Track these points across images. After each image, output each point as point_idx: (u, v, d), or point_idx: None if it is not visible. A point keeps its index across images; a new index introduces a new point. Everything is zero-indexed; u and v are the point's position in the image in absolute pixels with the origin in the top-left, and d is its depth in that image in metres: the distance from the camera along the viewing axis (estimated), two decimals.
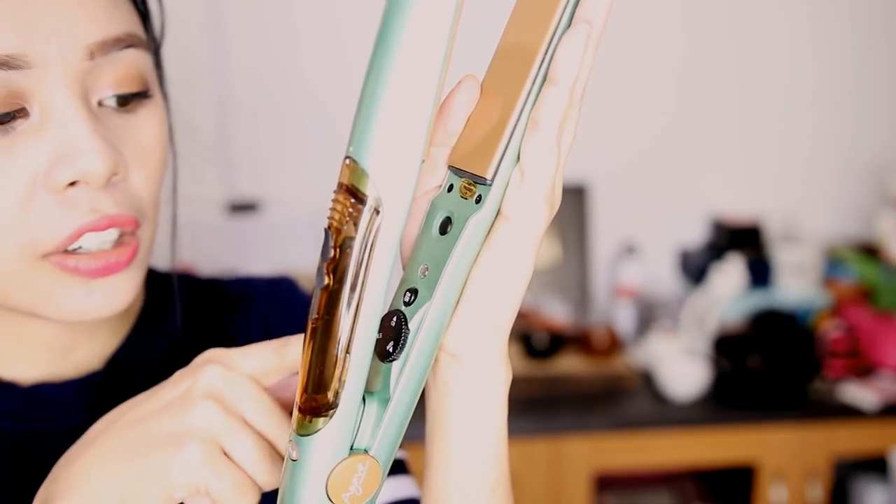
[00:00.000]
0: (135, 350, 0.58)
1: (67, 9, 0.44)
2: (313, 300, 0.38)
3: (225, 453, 0.43)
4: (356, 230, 0.36)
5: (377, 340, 0.39)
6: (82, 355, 0.55)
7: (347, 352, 0.37)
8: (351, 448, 0.39)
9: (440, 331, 0.40)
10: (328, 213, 0.37)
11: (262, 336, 0.63)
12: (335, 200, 0.36)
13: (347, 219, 0.36)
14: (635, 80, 1.95)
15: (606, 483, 1.76)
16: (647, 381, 1.68)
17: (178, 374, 0.44)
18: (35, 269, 0.47)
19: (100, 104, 0.47)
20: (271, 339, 0.64)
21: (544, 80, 0.37)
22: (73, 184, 0.45)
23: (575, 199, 1.91)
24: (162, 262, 0.63)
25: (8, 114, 0.44)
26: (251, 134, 1.87)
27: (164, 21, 0.55)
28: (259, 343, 0.46)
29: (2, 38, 0.42)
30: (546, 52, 0.37)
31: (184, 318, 0.60)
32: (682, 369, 1.60)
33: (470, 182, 0.39)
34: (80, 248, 0.47)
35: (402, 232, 0.36)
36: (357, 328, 0.37)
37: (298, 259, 1.66)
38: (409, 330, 0.39)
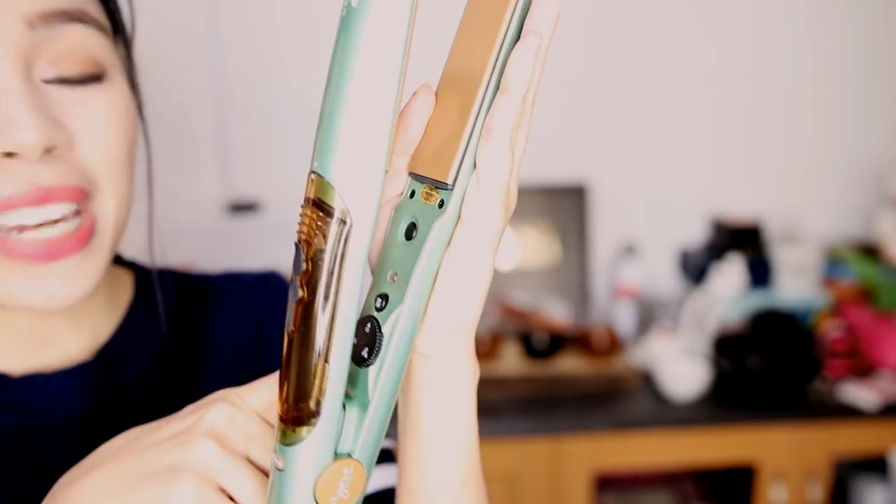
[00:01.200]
0: (124, 342, 0.58)
1: None
2: (288, 313, 0.39)
3: (224, 490, 0.43)
4: (326, 242, 0.37)
5: (353, 346, 0.40)
6: (70, 346, 0.56)
7: (326, 361, 0.38)
8: (335, 453, 0.40)
9: (412, 333, 0.41)
10: (297, 227, 0.38)
11: (253, 329, 0.63)
12: (303, 214, 0.38)
13: (316, 231, 0.37)
14: (635, 81, 1.95)
15: (606, 483, 1.76)
16: (647, 381, 1.68)
17: (188, 409, 0.45)
18: None
19: (46, 81, 0.47)
20: (263, 336, 0.63)
21: (497, 88, 0.39)
22: (10, 155, 0.45)
23: (575, 199, 1.91)
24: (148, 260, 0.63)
25: None
26: (250, 134, 1.87)
27: (134, 14, 0.55)
28: (266, 377, 0.47)
29: None
30: (496, 62, 0.39)
31: (172, 312, 0.60)
32: (682, 369, 1.60)
33: (431, 188, 0.40)
34: (19, 225, 0.46)
35: (370, 241, 0.38)
36: (334, 337, 0.38)
37: None
38: (383, 335, 0.40)
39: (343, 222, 0.37)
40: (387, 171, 0.37)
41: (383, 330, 0.40)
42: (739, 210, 1.99)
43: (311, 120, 1.69)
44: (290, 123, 1.87)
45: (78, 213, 0.48)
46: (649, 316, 1.92)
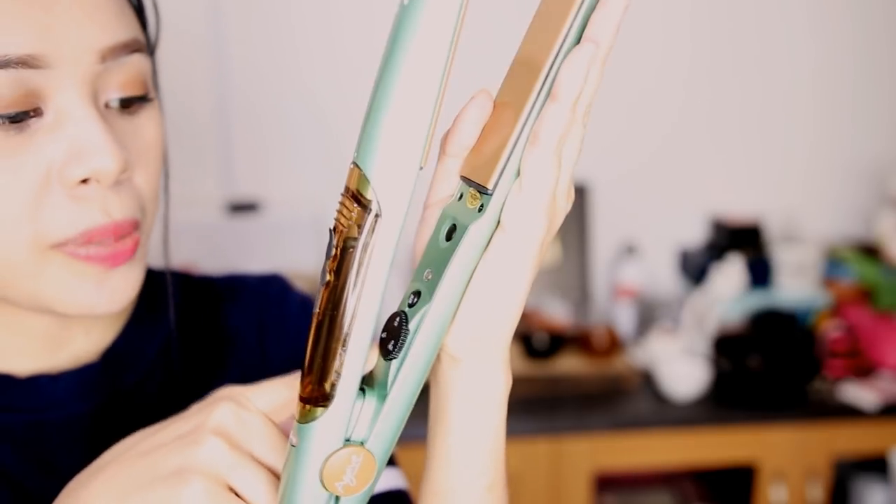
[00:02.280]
0: (130, 343, 0.59)
1: (83, 15, 0.47)
2: (317, 296, 0.40)
3: (233, 489, 0.43)
4: (358, 232, 0.38)
5: (381, 339, 0.41)
6: (78, 348, 0.56)
7: (344, 346, 0.39)
8: (348, 440, 0.41)
9: (439, 333, 0.41)
10: (335, 214, 0.39)
11: (256, 331, 0.64)
12: (341, 203, 0.39)
13: (350, 221, 0.38)
14: (635, 81, 1.95)
15: (606, 483, 1.76)
16: (647, 381, 1.68)
17: (193, 409, 0.46)
18: (46, 260, 0.48)
19: (106, 106, 0.50)
20: (265, 338, 0.64)
21: (548, 95, 0.39)
22: (84, 181, 0.47)
23: (575, 199, 1.91)
24: (154, 261, 0.63)
25: (25, 112, 0.46)
26: (251, 134, 1.87)
27: (159, 28, 0.57)
28: (272, 379, 0.47)
29: (22, 39, 0.45)
30: (550, 68, 0.39)
31: (178, 313, 0.61)
32: (682, 369, 1.60)
33: (475, 192, 0.41)
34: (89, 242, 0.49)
35: (399, 235, 0.39)
36: (354, 324, 0.39)
37: (298, 259, 1.66)
38: (408, 330, 0.41)
39: (376, 216, 0.38)
40: (422, 170, 0.38)
41: (409, 325, 0.41)
42: (739, 210, 1.99)
43: (311, 120, 1.69)
44: (290, 123, 1.87)
45: None
46: (649, 316, 1.92)
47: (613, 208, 1.97)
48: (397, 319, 0.41)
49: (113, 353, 0.58)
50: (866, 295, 1.80)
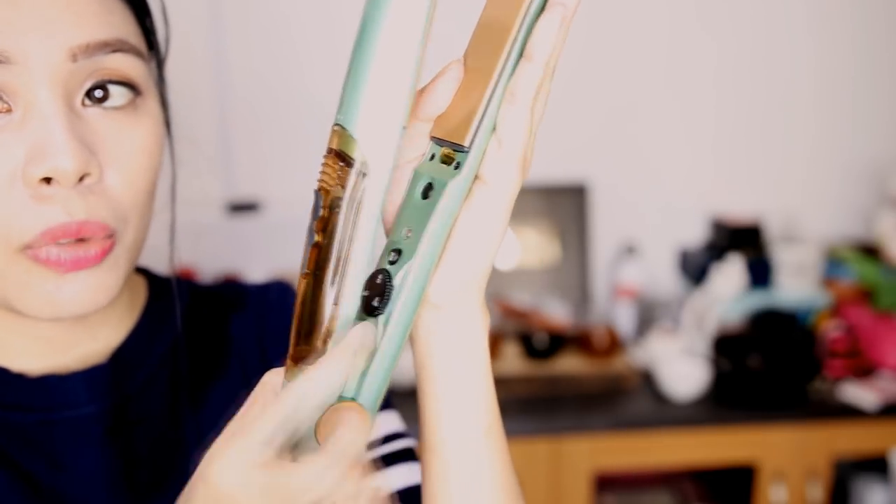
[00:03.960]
0: (137, 345, 0.59)
1: (51, 10, 0.46)
2: (303, 256, 0.41)
3: None
4: (344, 191, 0.39)
5: (364, 297, 0.42)
6: (86, 349, 0.57)
7: (335, 303, 0.40)
8: (340, 397, 0.42)
9: (422, 286, 0.43)
10: (318, 175, 0.40)
11: (257, 336, 0.65)
12: (325, 164, 0.40)
13: (336, 180, 0.39)
14: (636, 81, 1.96)
15: (606, 483, 1.76)
16: (647, 381, 1.68)
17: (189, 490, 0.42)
18: (12, 263, 0.48)
19: (84, 105, 0.49)
20: (265, 346, 0.65)
21: (519, 56, 0.41)
22: (48, 181, 0.47)
23: (575, 199, 1.91)
24: (160, 265, 0.64)
25: None
26: (251, 134, 1.87)
27: (169, 37, 0.57)
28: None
29: None
30: (519, 30, 0.41)
31: (184, 318, 0.62)
32: (682, 369, 1.60)
33: (450, 150, 0.43)
34: (55, 243, 0.48)
35: (385, 191, 0.40)
36: (345, 280, 0.40)
37: (298, 259, 1.66)
38: (392, 286, 0.42)
39: (362, 173, 0.39)
40: (405, 128, 0.40)
41: (394, 281, 0.42)
42: (739, 210, 1.99)
43: (311, 119, 1.68)
44: (290, 123, 1.87)
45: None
46: (649, 316, 1.92)
47: (613, 208, 1.97)
48: (380, 277, 0.42)
49: (121, 355, 0.58)
50: (866, 295, 1.80)
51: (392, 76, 0.39)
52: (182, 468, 0.48)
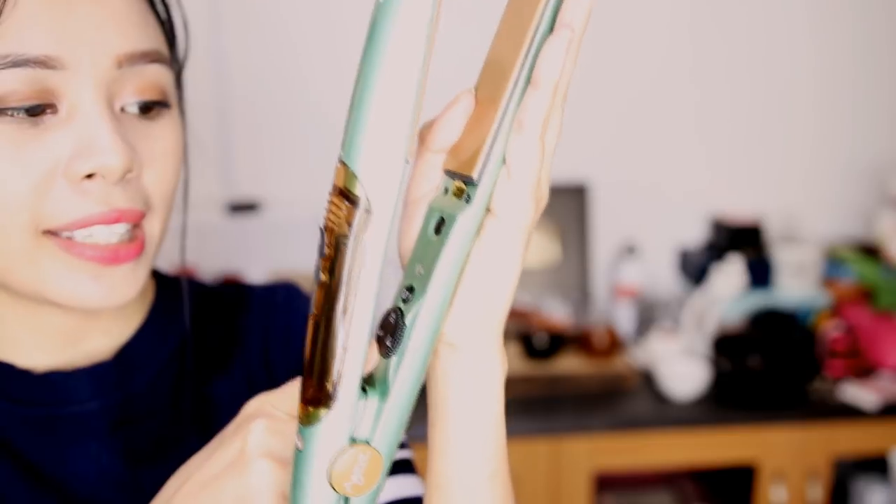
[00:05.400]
0: (144, 343, 0.60)
1: (103, 21, 0.49)
2: (312, 296, 0.40)
3: None
4: (349, 229, 0.38)
5: (378, 336, 0.41)
6: (94, 346, 0.58)
7: (344, 345, 0.39)
8: (353, 439, 0.41)
9: (436, 325, 0.42)
10: (324, 213, 0.39)
11: (261, 337, 0.65)
12: (330, 202, 0.39)
13: (341, 219, 0.39)
14: (636, 81, 1.96)
15: (606, 483, 1.76)
16: (647, 381, 1.68)
17: (229, 430, 0.47)
18: (38, 246, 0.50)
19: (122, 110, 0.52)
20: (269, 346, 0.66)
21: (526, 84, 0.40)
22: (90, 176, 0.49)
23: (575, 199, 1.91)
24: (164, 265, 0.65)
25: (39, 106, 0.48)
26: (251, 134, 1.87)
27: (189, 47, 0.60)
28: (288, 384, 0.48)
29: (42, 40, 0.47)
30: (525, 58, 0.39)
31: (191, 316, 0.63)
32: (682, 369, 1.60)
33: (461, 183, 0.41)
34: (90, 236, 0.50)
35: (390, 229, 0.39)
36: (353, 322, 0.39)
37: (298, 259, 1.66)
38: (404, 325, 0.41)
39: (366, 211, 0.38)
40: (408, 163, 0.39)
41: (405, 320, 0.41)
42: (739, 210, 1.99)
43: (311, 120, 1.69)
44: (290, 123, 1.87)
45: (132, 227, 0.53)
46: (649, 316, 1.92)
47: (613, 208, 1.97)
48: (392, 316, 0.42)
49: (126, 353, 0.59)
50: (866, 295, 1.80)
51: (391, 112, 0.38)
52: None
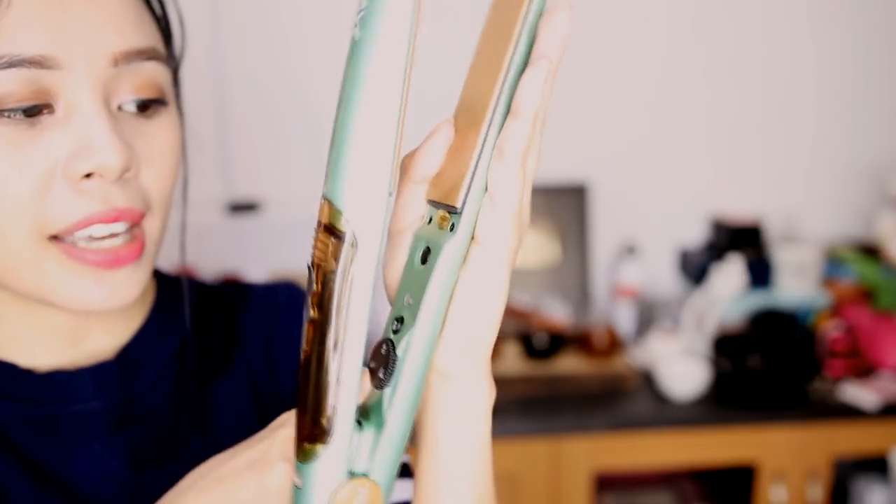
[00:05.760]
0: (145, 343, 0.60)
1: (98, 20, 0.49)
2: (303, 333, 0.40)
3: None
4: (336, 264, 0.38)
5: (370, 369, 0.42)
6: (96, 345, 0.58)
7: (337, 380, 0.39)
8: (351, 473, 0.41)
9: (427, 355, 0.42)
10: (311, 250, 0.39)
11: (263, 337, 0.65)
12: (316, 239, 0.39)
13: (327, 255, 0.39)
14: (635, 81, 1.96)
15: (606, 483, 1.76)
16: (647, 381, 1.68)
17: (259, 435, 0.47)
18: (43, 252, 0.50)
19: (119, 108, 0.52)
20: (272, 347, 0.66)
21: (505, 112, 0.40)
22: (88, 176, 0.49)
23: (575, 199, 1.91)
24: (165, 264, 0.65)
25: (35, 107, 0.48)
26: (250, 135, 1.87)
27: (185, 44, 0.60)
28: None
29: (37, 40, 0.47)
30: (502, 87, 0.40)
31: (192, 316, 0.63)
32: (682, 369, 1.60)
33: (444, 213, 0.42)
34: (89, 236, 0.50)
35: (378, 262, 0.39)
36: (344, 356, 0.39)
37: (298, 259, 1.66)
38: (396, 356, 0.41)
39: (351, 245, 0.38)
40: (391, 195, 0.39)
41: (397, 352, 0.41)
42: (739, 210, 1.99)
43: (310, 120, 1.68)
44: (290, 123, 1.87)
45: (131, 227, 0.53)
46: (649, 316, 1.92)
47: (613, 208, 1.97)
48: (384, 347, 0.42)
49: (128, 352, 0.59)
50: (866, 295, 1.80)
51: (373, 147, 0.38)
52: (186, 464, 0.49)
